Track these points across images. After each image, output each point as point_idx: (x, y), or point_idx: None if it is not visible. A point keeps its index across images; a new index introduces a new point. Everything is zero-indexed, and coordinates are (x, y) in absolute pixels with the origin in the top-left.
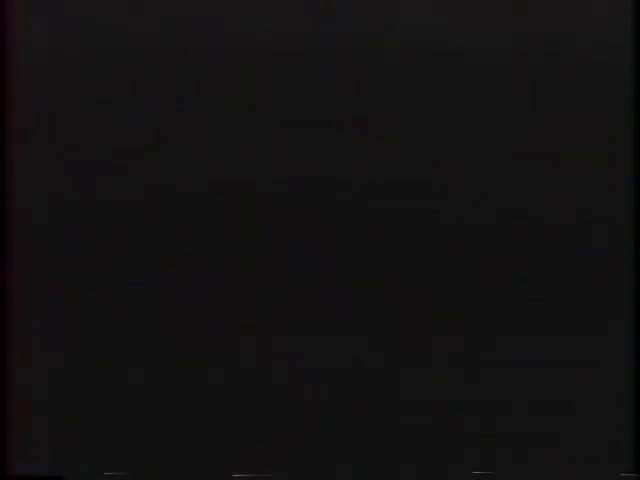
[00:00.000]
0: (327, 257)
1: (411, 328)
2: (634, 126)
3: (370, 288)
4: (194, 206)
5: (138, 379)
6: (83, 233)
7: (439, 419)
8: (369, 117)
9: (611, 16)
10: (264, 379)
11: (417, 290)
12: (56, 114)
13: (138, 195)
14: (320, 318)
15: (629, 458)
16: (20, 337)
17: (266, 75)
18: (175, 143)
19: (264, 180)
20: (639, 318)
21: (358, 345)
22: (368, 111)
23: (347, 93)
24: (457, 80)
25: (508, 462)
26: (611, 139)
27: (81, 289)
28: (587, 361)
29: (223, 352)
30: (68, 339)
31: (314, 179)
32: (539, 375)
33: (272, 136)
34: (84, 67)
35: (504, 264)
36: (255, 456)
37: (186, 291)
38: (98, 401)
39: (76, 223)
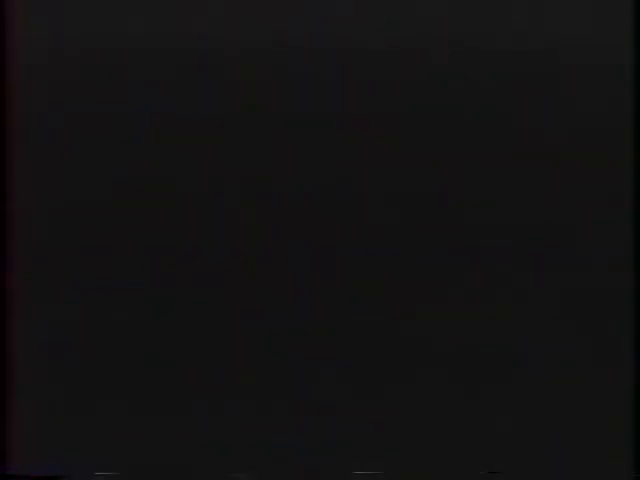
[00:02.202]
0: (327, 257)
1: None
2: (634, 126)
3: (369, 289)
4: (195, 206)
5: (139, 379)
6: (83, 233)
7: None
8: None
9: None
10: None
11: (416, 290)
12: (56, 114)
13: (138, 195)
14: (320, 319)
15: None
16: (20, 337)
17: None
18: (175, 143)
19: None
20: (639, 317)
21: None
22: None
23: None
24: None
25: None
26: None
27: (81, 289)
28: (587, 362)
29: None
30: (68, 339)
31: (317, 179)
32: (540, 384)
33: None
34: (84, 67)
35: (501, 265)
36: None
37: (187, 292)
38: (98, 401)
39: (76, 223)
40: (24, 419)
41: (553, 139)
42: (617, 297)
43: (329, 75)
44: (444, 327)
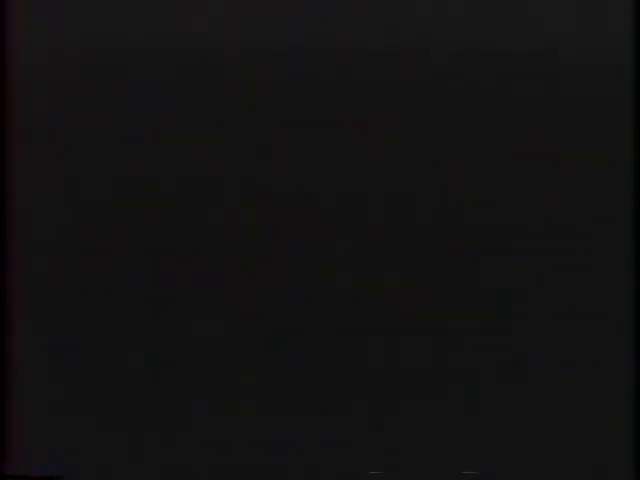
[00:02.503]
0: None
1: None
2: (634, 126)
3: (369, 289)
4: (195, 206)
5: (139, 379)
6: (83, 233)
7: None
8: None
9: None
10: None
11: (417, 291)
12: (56, 114)
13: (138, 195)
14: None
15: None
16: (20, 337)
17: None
18: (175, 143)
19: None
20: (639, 317)
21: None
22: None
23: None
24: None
25: None
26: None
27: (82, 289)
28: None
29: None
30: (69, 339)
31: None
32: (542, 386)
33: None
34: (84, 67)
35: (500, 265)
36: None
37: (187, 292)
38: (98, 401)
39: (76, 223)
40: (24, 419)
41: (553, 139)
42: (617, 297)
43: (329, 75)
44: (444, 326)
